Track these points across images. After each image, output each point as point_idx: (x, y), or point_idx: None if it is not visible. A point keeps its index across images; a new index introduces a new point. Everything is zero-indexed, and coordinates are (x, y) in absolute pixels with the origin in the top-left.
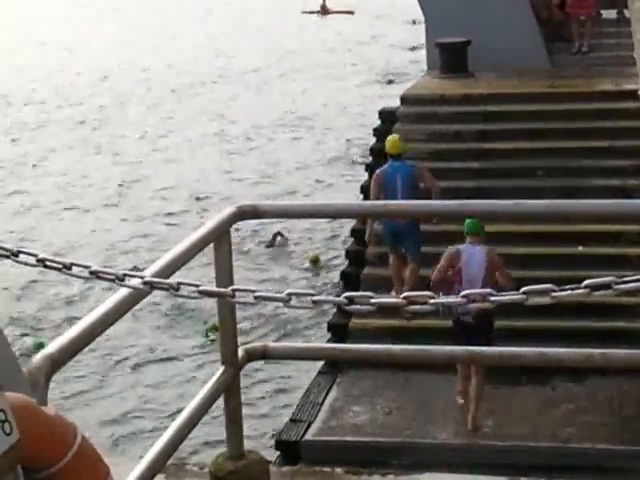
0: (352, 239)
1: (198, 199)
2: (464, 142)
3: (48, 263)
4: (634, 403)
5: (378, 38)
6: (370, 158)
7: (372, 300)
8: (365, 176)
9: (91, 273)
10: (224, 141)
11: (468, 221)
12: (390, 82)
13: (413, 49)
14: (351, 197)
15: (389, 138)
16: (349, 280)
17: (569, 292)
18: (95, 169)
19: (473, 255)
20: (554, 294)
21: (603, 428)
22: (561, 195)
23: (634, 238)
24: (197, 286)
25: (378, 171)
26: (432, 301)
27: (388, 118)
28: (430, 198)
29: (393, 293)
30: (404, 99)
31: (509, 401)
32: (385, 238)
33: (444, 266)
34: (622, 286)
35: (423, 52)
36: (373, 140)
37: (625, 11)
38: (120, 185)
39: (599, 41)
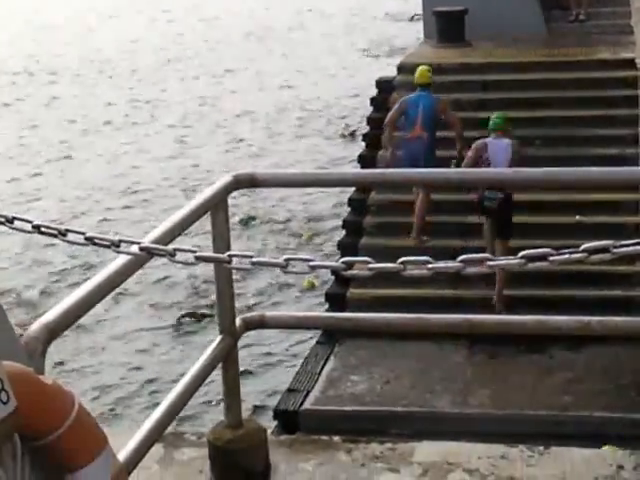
0: (349, 209)
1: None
2: (462, 111)
3: (43, 229)
4: (631, 371)
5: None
6: (368, 128)
7: (370, 265)
8: (362, 145)
9: (87, 239)
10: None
11: (493, 117)
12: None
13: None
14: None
15: (418, 68)
16: (346, 250)
17: (567, 256)
18: None
19: (499, 148)
20: (552, 258)
21: (600, 396)
22: (559, 164)
23: (632, 207)
24: (194, 252)
25: (403, 97)
26: (430, 266)
27: (385, 87)
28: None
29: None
30: (401, 68)
31: (507, 370)
32: (405, 164)
33: (471, 157)
34: (621, 249)
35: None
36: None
37: None
38: None
39: (596, 9)
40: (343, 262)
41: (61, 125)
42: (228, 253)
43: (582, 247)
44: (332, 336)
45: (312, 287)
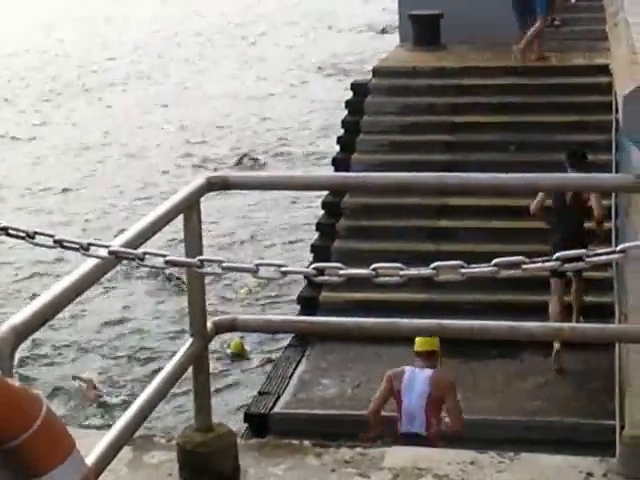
0: (323, 211)
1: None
2: (436, 115)
3: (11, 232)
4: (602, 377)
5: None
6: (342, 131)
7: (341, 272)
8: (337, 148)
9: (55, 242)
10: None
11: (418, 338)
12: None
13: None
14: None
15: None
16: (319, 253)
17: (540, 264)
18: None
19: (416, 380)
20: (525, 266)
21: (571, 401)
22: (533, 169)
23: (605, 213)
24: (164, 256)
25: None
26: (402, 273)
27: (360, 91)
28: None
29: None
30: (376, 71)
31: (477, 374)
32: None
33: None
34: (594, 259)
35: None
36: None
37: None
38: None
39: (572, 15)
40: (314, 268)
41: None
42: (199, 258)
43: (556, 255)
44: (303, 339)
45: (240, 351)
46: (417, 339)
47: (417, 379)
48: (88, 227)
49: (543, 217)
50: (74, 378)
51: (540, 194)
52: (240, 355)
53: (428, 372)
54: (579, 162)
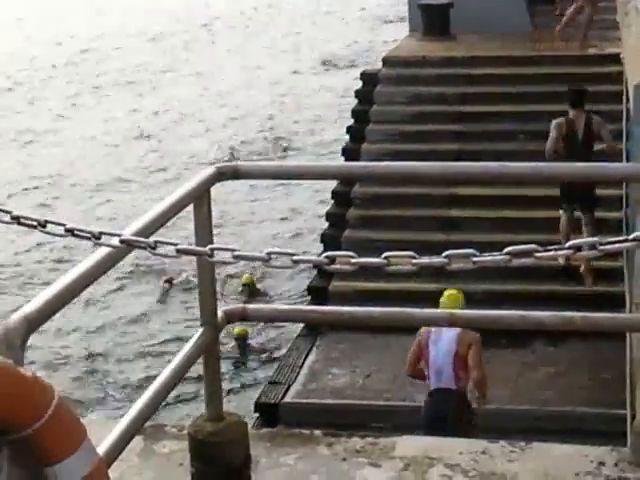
0: (333, 201)
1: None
2: (446, 105)
3: (22, 220)
4: (613, 366)
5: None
6: (352, 120)
7: (353, 260)
8: (346, 137)
9: (67, 231)
10: None
11: (444, 296)
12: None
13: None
14: None
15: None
16: (329, 243)
17: (553, 252)
18: None
19: (443, 339)
20: (538, 254)
21: (582, 391)
22: (542, 159)
23: (615, 202)
24: (175, 245)
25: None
26: (414, 261)
27: (370, 80)
28: None
29: None
30: (386, 61)
31: (489, 364)
32: None
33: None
34: (606, 247)
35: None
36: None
37: None
38: None
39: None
40: (326, 256)
41: None
42: (210, 246)
43: (568, 244)
44: (314, 329)
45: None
46: (442, 299)
47: (443, 337)
48: None
49: (557, 157)
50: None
51: (552, 135)
52: (242, 337)
53: (454, 330)
54: (579, 102)
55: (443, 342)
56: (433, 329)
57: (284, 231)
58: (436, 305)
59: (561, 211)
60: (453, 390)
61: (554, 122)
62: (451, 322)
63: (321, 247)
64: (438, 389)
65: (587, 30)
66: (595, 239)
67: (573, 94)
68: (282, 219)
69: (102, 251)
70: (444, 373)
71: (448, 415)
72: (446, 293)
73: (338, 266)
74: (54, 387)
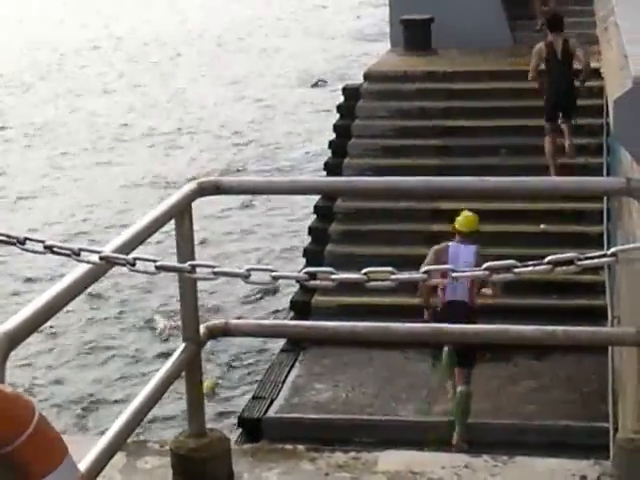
0: (315, 216)
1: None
2: (428, 119)
3: (1, 238)
4: (595, 380)
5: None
6: (334, 135)
7: (333, 276)
8: (328, 152)
9: (46, 247)
10: None
11: (461, 215)
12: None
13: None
14: None
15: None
16: (312, 257)
17: (532, 268)
18: None
19: (461, 253)
20: (517, 270)
21: (565, 405)
22: (524, 173)
23: (595, 216)
24: (155, 261)
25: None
26: (394, 277)
27: (352, 95)
28: None
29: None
30: (367, 76)
31: (471, 378)
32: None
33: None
34: (585, 262)
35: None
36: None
37: None
38: None
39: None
40: (306, 272)
41: None
42: (190, 263)
43: (547, 259)
44: (297, 344)
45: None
46: (459, 218)
47: (461, 252)
48: None
49: (538, 79)
50: None
51: (534, 60)
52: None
53: (472, 246)
54: (557, 26)
55: (462, 256)
56: (451, 243)
57: (265, 246)
58: (419, 319)
59: (546, 125)
60: (466, 302)
61: (535, 48)
62: (434, 337)
63: (303, 262)
64: (452, 301)
65: None
66: (574, 254)
67: (551, 19)
68: (263, 235)
69: (82, 268)
70: (459, 287)
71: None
72: (463, 214)
73: (318, 282)
74: (34, 403)
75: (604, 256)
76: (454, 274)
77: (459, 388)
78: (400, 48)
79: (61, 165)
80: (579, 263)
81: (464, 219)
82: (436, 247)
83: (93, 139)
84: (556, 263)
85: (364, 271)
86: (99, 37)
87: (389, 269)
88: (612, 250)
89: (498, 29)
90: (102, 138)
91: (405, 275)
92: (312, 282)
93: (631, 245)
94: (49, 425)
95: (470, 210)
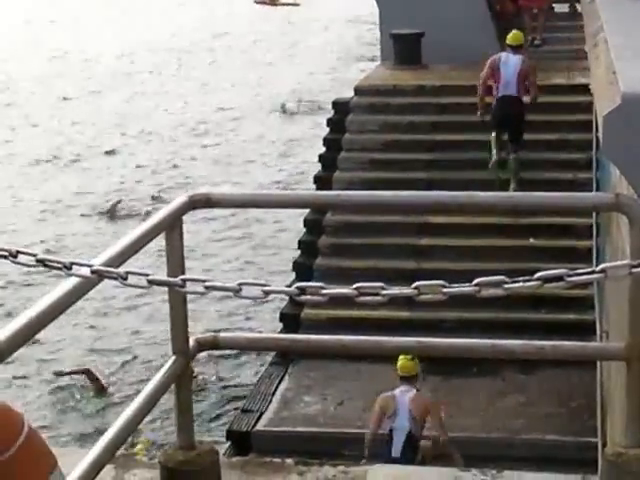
0: (304, 229)
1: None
2: (417, 133)
3: None
4: (583, 395)
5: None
6: (324, 149)
7: (323, 291)
8: (319, 166)
9: (38, 261)
10: None
11: (510, 34)
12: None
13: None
14: None
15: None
16: (301, 270)
17: (521, 284)
18: None
19: (510, 61)
20: (506, 286)
21: (553, 419)
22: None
23: (584, 231)
24: (146, 275)
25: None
26: (384, 292)
27: (341, 109)
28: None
29: None
30: (357, 90)
31: (459, 392)
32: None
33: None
34: (574, 278)
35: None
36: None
37: (577, 5)
38: None
39: (552, 34)
40: (297, 287)
41: None
42: (181, 277)
43: (536, 275)
44: (286, 357)
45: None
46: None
47: (510, 61)
48: None
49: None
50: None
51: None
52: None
53: (519, 60)
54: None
55: (511, 64)
56: (502, 55)
57: (255, 260)
58: (407, 333)
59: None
60: (515, 96)
61: (490, 59)
62: (421, 350)
63: (293, 275)
64: (505, 95)
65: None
66: (564, 271)
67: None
68: (253, 247)
69: (73, 281)
70: (510, 84)
71: (512, 113)
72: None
73: (309, 297)
74: (24, 415)
75: (593, 272)
76: (444, 290)
77: (512, 156)
78: (390, 62)
79: None
80: (568, 279)
81: (512, 36)
82: (490, 59)
83: None
84: (545, 279)
85: (355, 286)
86: None
87: (380, 284)
88: (601, 266)
89: (487, 44)
90: None
91: (396, 290)
92: (303, 297)
93: (619, 262)
94: (39, 437)
95: (459, 225)
